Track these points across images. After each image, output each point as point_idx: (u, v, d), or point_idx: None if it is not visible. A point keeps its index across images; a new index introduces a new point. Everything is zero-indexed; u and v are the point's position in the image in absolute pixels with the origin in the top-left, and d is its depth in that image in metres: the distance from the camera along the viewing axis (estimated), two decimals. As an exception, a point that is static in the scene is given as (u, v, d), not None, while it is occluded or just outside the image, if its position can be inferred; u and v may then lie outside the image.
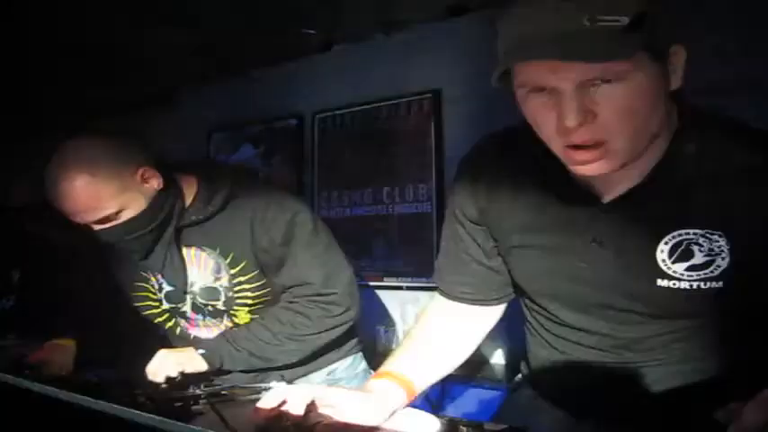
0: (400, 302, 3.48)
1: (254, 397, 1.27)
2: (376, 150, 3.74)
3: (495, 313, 1.28)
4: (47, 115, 4.92)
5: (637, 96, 0.89)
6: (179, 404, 1.27)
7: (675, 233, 0.98)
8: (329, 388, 1.16)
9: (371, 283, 3.61)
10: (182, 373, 1.53)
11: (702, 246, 0.97)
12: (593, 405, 1.15)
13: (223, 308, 1.73)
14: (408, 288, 3.51)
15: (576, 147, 0.92)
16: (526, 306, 1.25)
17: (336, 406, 1.05)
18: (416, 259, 3.54)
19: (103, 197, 1.54)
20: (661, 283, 1.00)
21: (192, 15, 3.30)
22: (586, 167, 0.94)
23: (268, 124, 4.26)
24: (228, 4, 3.18)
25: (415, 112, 3.59)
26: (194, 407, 1.26)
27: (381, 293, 3.55)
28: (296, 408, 1.03)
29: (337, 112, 3.92)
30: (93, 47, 3.66)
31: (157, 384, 1.51)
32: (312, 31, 3.60)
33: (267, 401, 1.04)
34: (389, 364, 1.19)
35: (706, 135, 0.99)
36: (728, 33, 2.56)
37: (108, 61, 3.92)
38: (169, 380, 1.52)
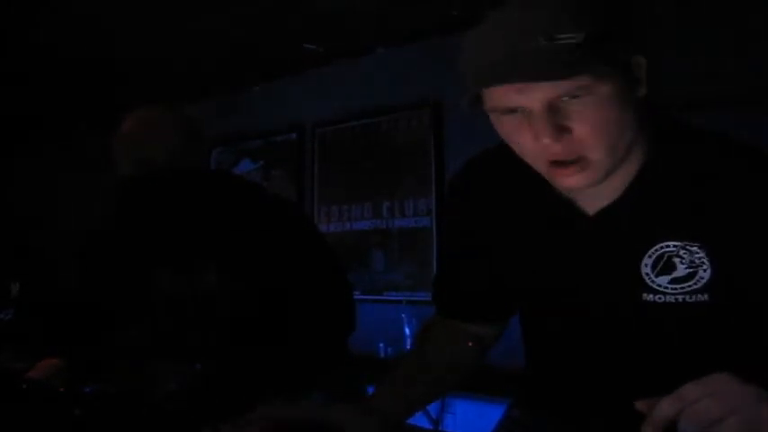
0: (400, 317, 3.47)
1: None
2: (376, 164, 3.75)
3: (494, 330, 1.27)
4: (45, 128, 4.92)
5: (606, 108, 0.90)
6: (176, 419, 1.25)
7: (658, 246, 0.99)
8: (328, 405, 1.15)
9: (371, 298, 3.60)
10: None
11: (683, 258, 0.98)
12: (589, 424, 1.14)
13: None
14: (408, 302, 3.50)
15: (556, 163, 0.94)
16: (522, 322, 1.25)
17: (337, 424, 1.04)
18: (416, 273, 3.53)
19: None
20: (646, 297, 1.00)
21: (193, 30, 3.32)
22: (569, 181, 0.96)
23: (268, 138, 4.27)
24: (229, 18, 3.20)
25: (415, 126, 3.59)
26: (192, 422, 1.24)
27: (381, 307, 3.54)
28: (285, 419, 1.03)
29: (337, 125, 3.92)
30: (92, 61, 3.68)
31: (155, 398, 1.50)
32: (312, 46, 3.61)
33: (264, 417, 1.03)
34: (389, 381, 1.18)
35: (683, 147, 1.00)
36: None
37: (107, 76, 3.93)
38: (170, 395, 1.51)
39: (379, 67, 3.73)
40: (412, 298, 3.50)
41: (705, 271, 0.97)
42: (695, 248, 0.97)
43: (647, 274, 1.00)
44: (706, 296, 0.98)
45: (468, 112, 0.95)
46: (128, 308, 1.84)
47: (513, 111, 0.93)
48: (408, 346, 3.26)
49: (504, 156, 1.05)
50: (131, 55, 3.62)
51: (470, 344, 1.26)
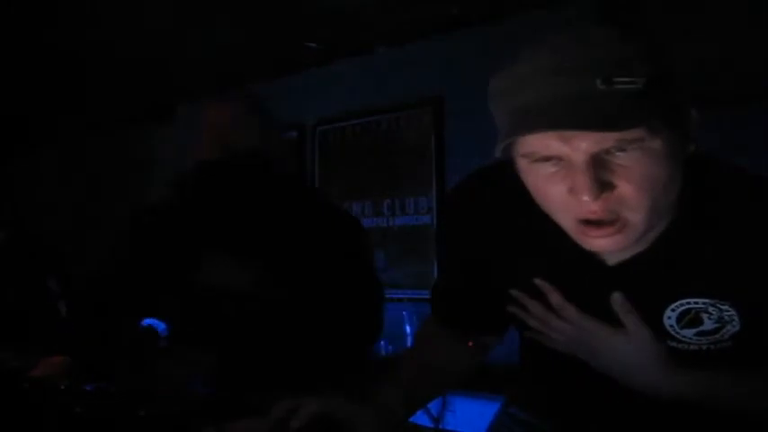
0: (401, 315, 3.47)
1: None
2: (376, 162, 3.74)
3: (495, 337, 1.26)
4: (45, 127, 4.92)
5: (656, 165, 0.80)
6: (178, 418, 1.25)
7: (683, 301, 0.93)
8: (333, 400, 1.15)
9: (372, 296, 3.59)
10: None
11: (712, 314, 0.92)
12: (588, 423, 1.14)
13: None
14: (409, 300, 3.50)
15: (590, 222, 0.84)
16: (520, 334, 1.22)
17: (341, 419, 1.05)
18: (417, 271, 3.53)
19: None
20: (670, 343, 0.96)
21: (193, 29, 3.32)
22: (601, 242, 0.86)
23: (268, 136, 4.27)
24: (230, 17, 3.19)
25: (415, 124, 3.59)
26: (194, 421, 1.24)
27: (382, 306, 3.53)
28: (301, 421, 1.02)
29: (338, 124, 3.92)
30: (93, 60, 3.68)
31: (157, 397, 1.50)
32: (313, 44, 3.61)
33: (272, 414, 1.04)
34: (390, 379, 1.18)
35: (714, 198, 0.90)
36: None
37: (108, 75, 3.93)
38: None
39: (379, 65, 3.73)
40: (413, 296, 3.50)
41: (734, 326, 0.92)
42: (726, 306, 0.91)
43: (672, 326, 0.95)
44: (730, 343, 0.94)
45: (502, 157, 0.84)
46: (158, 296, 1.80)
47: (547, 159, 0.82)
48: (410, 345, 3.26)
49: (508, 186, 0.95)
50: (132, 54, 3.62)
51: (470, 344, 1.26)
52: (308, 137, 4.08)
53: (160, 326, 1.77)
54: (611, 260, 0.95)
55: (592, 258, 0.95)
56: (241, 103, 1.66)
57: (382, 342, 3.40)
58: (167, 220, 1.77)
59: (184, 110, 4.67)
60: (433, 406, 3.06)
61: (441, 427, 3.05)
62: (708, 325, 0.93)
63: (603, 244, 0.86)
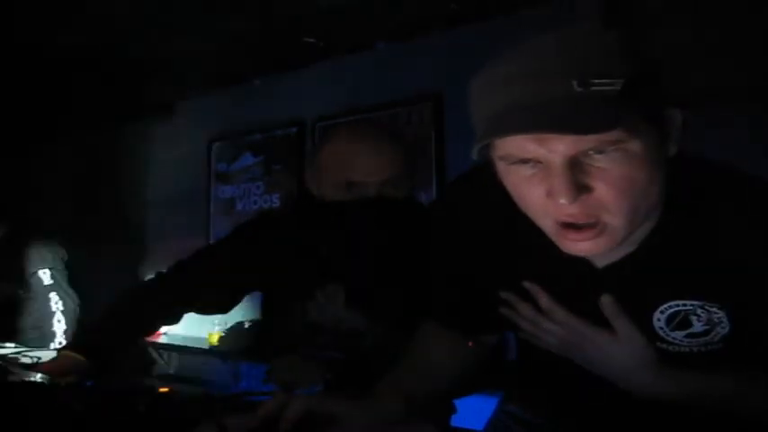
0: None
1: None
2: (376, 159, 3.73)
3: (494, 336, 1.26)
4: (44, 125, 4.92)
5: (635, 167, 0.80)
6: (178, 413, 1.25)
7: (672, 303, 0.93)
8: (329, 397, 1.15)
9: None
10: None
11: (701, 316, 0.92)
12: (586, 424, 1.14)
13: None
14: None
15: (569, 225, 0.84)
16: (518, 340, 1.21)
17: (335, 415, 1.05)
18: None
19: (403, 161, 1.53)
20: (660, 345, 0.97)
21: (193, 24, 3.31)
22: (580, 246, 0.86)
23: (268, 133, 4.27)
24: (229, 12, 3.19)
25: (415, 121, 3.59)
26: (193, 416, 1.24)
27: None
28: (291, 417, 1.02)
29: (338, 120, 3.92)
30: (92, 57, 3.68)
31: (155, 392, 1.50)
32: (312, 40, 3.61)
33: (264, 410, 1.04)
34: (389, 377, 1.18)
35: (700, 198, 0.90)
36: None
37: (108, 71, 3.93)
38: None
39: (378, 61, 3.73)
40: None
41: (723, 328, 0.93)
42: (714, 309, 0.92)
43: (662, 328, 0.95)
44: (721, 345, 0.95)
45: (479, 159, 0.83)
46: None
47: (525, 161, 0.82)
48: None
49: (494, 188, 0.94)
50: (131, 51, 3.62)
51: (470, 344, 1.26)
52: (308, 133, 4.07)
53: None
54: (600, 262, 0.96)
55: (580, 261, 0.95)
56: (368, 134, 1.55)
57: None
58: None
59: (184, 108, 4.68)
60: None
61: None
62: (697, 327, 0.93)
63: (583, 248, 0.86)
